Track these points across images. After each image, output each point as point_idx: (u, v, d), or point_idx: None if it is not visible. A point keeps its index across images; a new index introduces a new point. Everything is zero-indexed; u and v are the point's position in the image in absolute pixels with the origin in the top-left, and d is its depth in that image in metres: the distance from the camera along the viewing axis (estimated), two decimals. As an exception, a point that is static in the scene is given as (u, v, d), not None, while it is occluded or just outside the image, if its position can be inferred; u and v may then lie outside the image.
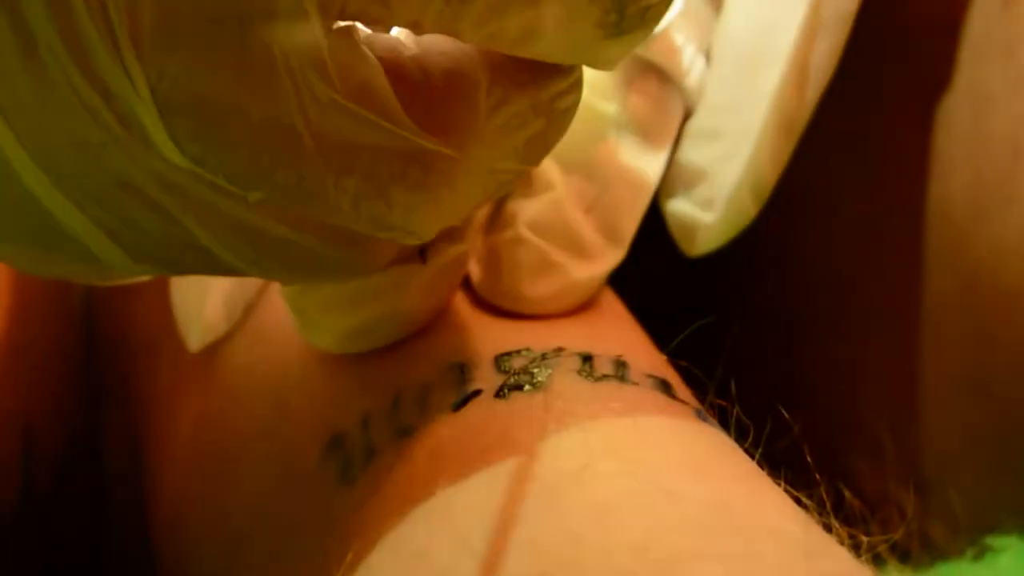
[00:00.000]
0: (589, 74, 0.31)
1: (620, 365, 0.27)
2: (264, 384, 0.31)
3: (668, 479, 0.24)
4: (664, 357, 0.29)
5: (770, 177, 0.32)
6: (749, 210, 0.32)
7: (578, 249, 0.30)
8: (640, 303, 0.31)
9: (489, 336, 0.29)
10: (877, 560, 0.28)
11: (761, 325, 0.37)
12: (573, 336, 0.29)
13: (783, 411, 0.28)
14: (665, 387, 0.27)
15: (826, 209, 0.37)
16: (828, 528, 0.26)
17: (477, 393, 0.27)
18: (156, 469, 0.34)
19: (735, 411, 0.28)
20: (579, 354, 0.27)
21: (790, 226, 0.33)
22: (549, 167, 0.31)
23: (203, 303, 0.31)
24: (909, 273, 0.36)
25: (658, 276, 0.35)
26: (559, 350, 0.28)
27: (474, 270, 0.30)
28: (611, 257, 0.31)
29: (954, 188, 0.34)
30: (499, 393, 0.27)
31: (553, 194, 0.30)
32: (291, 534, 0.27)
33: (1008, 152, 0.33)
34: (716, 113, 0.32)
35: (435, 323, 0.29)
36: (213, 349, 0.32)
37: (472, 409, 0.26)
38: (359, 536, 0.25)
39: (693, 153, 0.32)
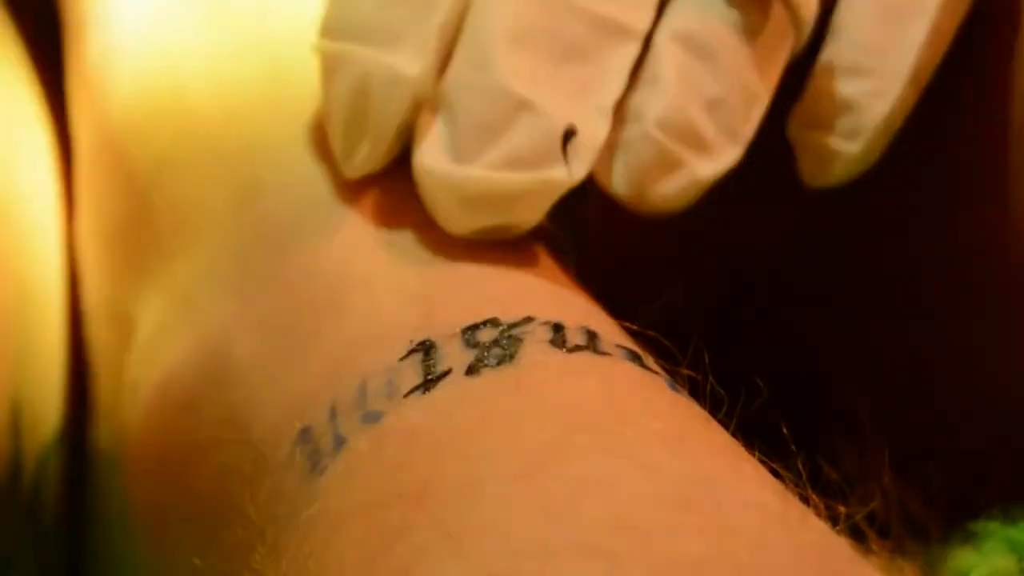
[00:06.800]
0: None
1: (591, 335, 0.28)
2: (234, 375, 0.31)
3: (645, 453, 0.24)
4: (618, 325, 0.29)
5: (899, 121, 0.34)
6: (880, 148, 0.34)
7: (700, 145, 0.31)
8: (610, 273, 0.31)
9: (452, 306, 0.29)
10: (856, 533, 0.28)
11: (736, 296, 0.37)
12: (541, 304, 0.29)
13: (756, 379, 0.28)
14: (636, 357, 0.28)
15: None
16: (805, 500, 0.26)
17: (447, 373, 0.27)
18: (130, 456, 0.34)
19: (708, 382, 0.28)
20: (549, 324, 0.28)
21: (771, 192, 0.34)
22: (668, 59, 0.31)
23: None
24: (897, 241, 0.37)
25: (629, 246, 0.35)
26: (528, 319, 0.28)
27: (599, 168, 0.31)
28: (730, 154, 0.32)
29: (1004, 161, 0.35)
30: (469, 371, 0.27)
31: (674, 87, 0.31)
32: (262, 529, 0.27)
33: None
34: (863, 51, 0.33)
35: (391, 293, 0.29)
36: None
37: (443, 390, 0.26)
38: (328, 522, 0.25)
39: (838, 85, 0.33)
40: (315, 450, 0.27)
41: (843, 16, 0.34)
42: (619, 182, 0.31)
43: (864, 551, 0.28)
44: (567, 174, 0.30)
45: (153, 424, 0.33)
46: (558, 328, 0.27)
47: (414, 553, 0.23)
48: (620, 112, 0.31)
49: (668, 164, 0.31)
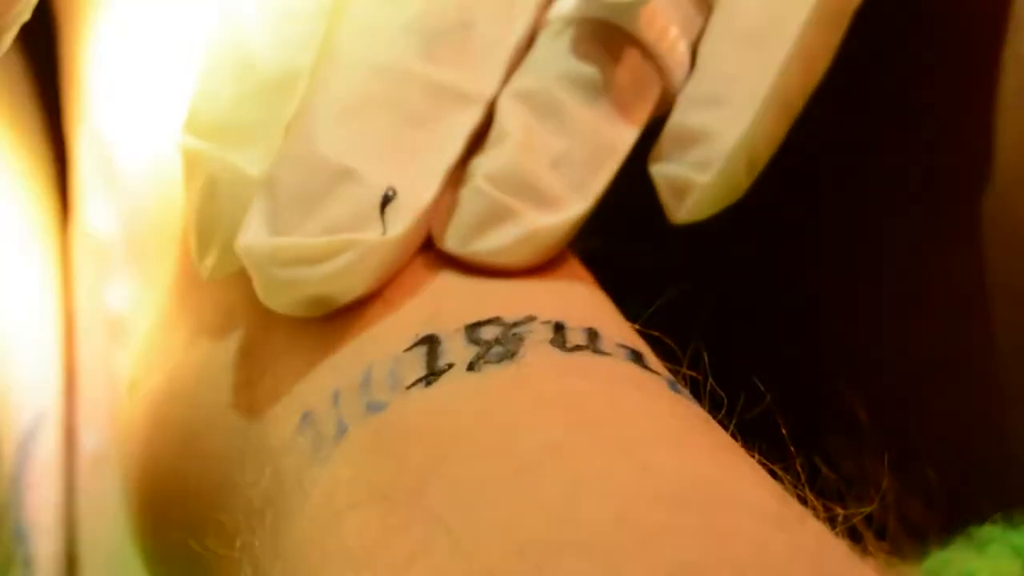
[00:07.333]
0: (572, 33, 0.31)
1: (592, 335, 0.28)
2: (235, 360, 0.31)
3: (643, 454, 0.25)
4: (630, 325, 0.30)
5: (764, 152, 0.32)
6: (741, 180, 0.32)
7: (539, 198, 0.30)
8: (613, 273, 0.31)
9: (458, 304, 0.29)
10: (854, 535, 0.28)
11: (736, 297, 0.38)
12: (543, 304, 0.29)
13: (756, 381, 0.28)
14: (637, 357, 0.28)
15: (834, 176, 0.37)
16: (803, 501, 0.26)
17: (449, 367, 0.27)
18: (128, 449, 0.34)
19: (708, 383, 0.28)
20: (550, 323, 0.28)
21: (777, 196, 0.34)
22: (510, 118, 0.31)
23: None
24: (897, 243, 0.37)
25: (631, 247, 0.35)
26: (530, 319, 0.28)
27: (435, 228, 0.31)
28: (576, 207, 0.31)
29: (1001, 155, 0.35)
30: (471, 367, 0.27)
31: (512, 145, 0.30)
32: (262, 512, 0.28)
33: None
34: (720, 80, 0.32)
35: (402, 290, 0.30)
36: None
37: (444, 384, 0.27)
38: (330, 511, 0.26)
39: (692, 116, 0.32)
40: (317, 435, 0.27)
41: (703, 47, 0.33)
42: (450, 236, 0.30)
43: (861, 553, 0.28)
44: (379, 234, 0.29)
45: (154, 417, 0.33)
46: (559, 327, 0.28)
47: (414, 548, 0.23)
48: (463, 174, 0.31)
49: (499, 215, 0.30)
